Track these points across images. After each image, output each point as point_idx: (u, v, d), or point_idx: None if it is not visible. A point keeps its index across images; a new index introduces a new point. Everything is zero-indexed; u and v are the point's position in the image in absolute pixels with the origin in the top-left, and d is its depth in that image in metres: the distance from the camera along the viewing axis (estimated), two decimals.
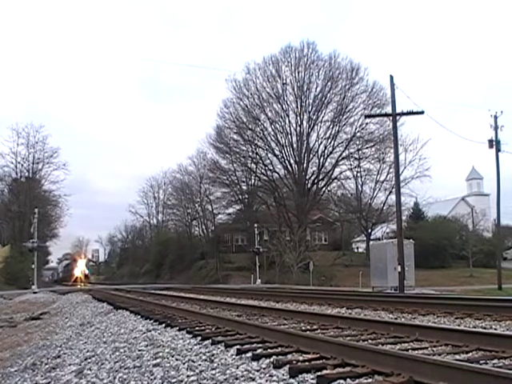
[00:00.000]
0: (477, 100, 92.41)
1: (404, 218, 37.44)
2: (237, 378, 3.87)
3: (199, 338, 5.85)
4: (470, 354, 4.41)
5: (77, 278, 63.04)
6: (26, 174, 49.41)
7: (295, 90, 42.36)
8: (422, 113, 20.68)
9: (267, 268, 40.50)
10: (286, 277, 36.54)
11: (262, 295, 15.80)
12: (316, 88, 42.40)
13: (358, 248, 58.19)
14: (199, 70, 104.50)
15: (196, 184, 51.90)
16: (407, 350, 4.37)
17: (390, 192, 42.55)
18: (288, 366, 3.93)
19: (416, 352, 4.25)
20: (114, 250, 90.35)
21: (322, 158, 42.95)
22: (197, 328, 6.71)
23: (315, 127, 42.93)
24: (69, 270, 72.90)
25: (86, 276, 65.02)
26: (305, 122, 42.77)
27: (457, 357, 4.22)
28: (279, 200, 44.82)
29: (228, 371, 4.09)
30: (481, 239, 43.73)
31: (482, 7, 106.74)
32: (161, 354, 5.23)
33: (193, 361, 4.67)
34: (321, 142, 43.00)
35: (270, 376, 3.81)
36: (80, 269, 65.25)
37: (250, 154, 44.56)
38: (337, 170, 44.32)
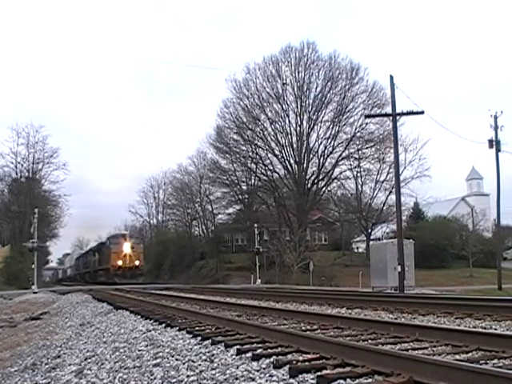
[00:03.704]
0: (477, 100, 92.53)
1: (404, 218, 37.45)
2: (237, 378, 3.87)
3: (199, 338, 5.84)
4: (470, 354, 4.40)
5: (120, 268, 36.80)
6: (26, 174, 49.36)
7: (295, 89, 42.38)
8: (422, 113, 20.68)
9: (267, 268, 40.48)
10: (286, 277, 36.53)
11: (262, 295, 15.78)
12: (316, 88, 42.46)
13: (358, 248, 58.18)
14: (199, 69, 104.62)
15: (196, 184, 51.91)
16: (407, 350, 4.37)
17: (390, 192, 42.59)
18: (288, 366, 3.93)
19: (416, 352, 4.25)
20: None
21: (322, 158, 42.99)
22: (197, 328, 6.71)
23: (315, 127, 42.98)
24: (88, 262, 48.59)
25: (135, 268, 37.49)
26: (305, 122, 42.81)
27: (457, 357, 4.22)
28: (279, 200, 44.81)
29: (228, 371, 4.09)
30: (481, 239, 43.74)
31: (482, 7, 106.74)
32: (161, 354, 5.23)
33: (193, 361, 4.67)
34: (321, 142, 43.07)
35: (270, 376, 3.81)
36: (124, 254, 37.48)
37: (250, 154, 44.58)
38: (337, 170, 44.39)
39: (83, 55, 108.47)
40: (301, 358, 4.24)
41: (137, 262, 37.50)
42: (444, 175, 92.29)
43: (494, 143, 30.49)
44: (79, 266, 57.44)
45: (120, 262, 36.58)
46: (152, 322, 8.16)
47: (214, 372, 4.16)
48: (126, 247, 37.43)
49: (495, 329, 6.28)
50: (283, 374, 3.79)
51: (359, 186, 47.75)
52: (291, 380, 3.65)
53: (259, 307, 9.85)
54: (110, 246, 38.63)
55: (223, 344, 5.18)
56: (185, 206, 55.50)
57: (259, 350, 4.66)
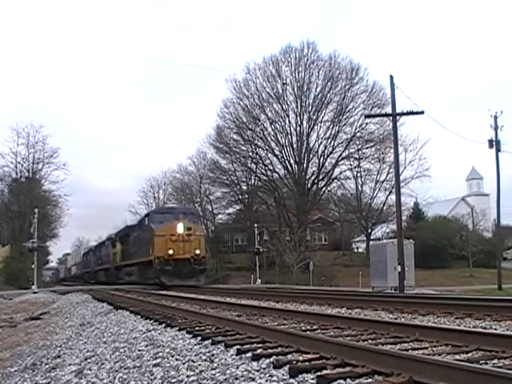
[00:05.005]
0: (477, 100, 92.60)
1: (404, 218, 37.52)
2: (237, 378, 3.87)
3: (199, 337, 5.84)
4: (470, 353, 4.40)
5: (170, 261, 23.61)
6: (26, 174, 49.37)
7: (295, 89, 42.42)
8: (422, 113, 20.69)
9: (267, 268, 40.49)
10: (286, 277, 36.54)
11: (262, 295, 15.77)
12: (316, 88, 42.51)
13: (357, 248, 58.24)
14: (199, 69, 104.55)
15: (196, 184, 51.92)
16: (407, 350, 4.37)
17: (390, 192, 42.67)
18: (288, 366, 3.92)
19: (416, 352, 4.24)
20: None
21: (322, 158, 43.05)
22: (197, 328, 6.71)
23: (315, 127, 43.03)
24: (104, 257, 38.31)
25: (194, 261, 23.97)
26: (305, 122, 42.85)
27: (457, 357, 4.21)
28: (279, 200, 44.84)
29: (228, 371, 4.08)
30: (481, 239, 43.83)
31: (482, 7, 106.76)
32: (161, 354, 5.23)
33: (193, 361, 4.67)
34: (321, 142, 43.13)
35: (270, 376, 3.81)
36: (178, 236, 23.93)
37: (250, 154, 44.62)
38: (337, 170, 44.48)
39: (83, 55, 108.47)
40: (301, 358, 4.23)
41: (197, 252, 23.82)
42: (444, 175, 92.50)
43: (494, 143, 30.53)
44: (89, 262, 46.23)
45: (171, 252, 23.26)
46: (152, 321, 8.16)
47: (213, 372, 4.16)
48: (180, 228, 23.74)
49: (495, 329, 6.27)
50: (283, 374, 3.79)
51: (359, 186, 47.90)
52: (291, 380, 3.64)
53: (259, 307, 9.84)
54: (151, 227, 24.91)
55: (223, 344, 5.18)
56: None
57: (259, 350, 4.66)
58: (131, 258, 28.49)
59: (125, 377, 4.67)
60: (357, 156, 43.35)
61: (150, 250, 24.31)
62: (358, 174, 46.37)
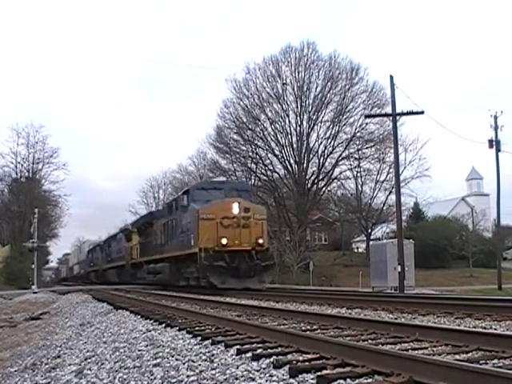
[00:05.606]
0: (477, 100, 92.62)
1: (404, 218, 37.51)
2: (237, 378, 3.87)
3: (199, 337, 5.84)
4: (470, 353, 4.40)
5: (223, 253, 16.42)
6: (26, 174, 49.44)
7: (295, 89, 42.36)
8: (422, 113, 20.71)
9: None
10: (286, 277, 36.51)
11: (262, 295, 15.74)
12: (316, 88, 42.43)
13: (357, 248, 58.22)
14: (199, 69, 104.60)
15: None
16: (407, 350, 4.36)
17: (390, 192, 42.64)
18: (288, 366, 3.92)
19: (416, 352, 4.24)
20: None
21: (322, 158, 42.98)
22: (197, 328, 6.71)
23: (315, 127, 42.96)
24: (115, 252, 33.34)
25: (256, 254, 16.84)
26: (305, 122, 42.79)
27: (457, 357, 4.21)
28: (279, 200, 44.79)
29: (228, 371, 4.09)
30: (481, 239, 43.84)
31: (482, 7, 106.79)
32: (161, 354, 5.23)
33: (193, 361, 4.67)
34: (321, 142, 43.06)
35: (270, 376, 3.81)
36: (233, 219, 16.94)
37: (250, 154, 44.54)
38: (337, 170, 44.40)
39: (83, 55, 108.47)
40: (301, 358, 4.23)
41: (260, 241, 17.33)
42: (444, 175, 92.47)
43: (494, 143, 30.53)
44: (97, 259, 40.70)
45: (224, 241, 16.76)
46: (152, 321, 8.16)
47: (213, 372, 4.16)
48: (236, 208, 17.39)
49: (495, 329, 6.27)
50: (283, 374, 3.79)
51: (359, 186, 47.87)
52: (291, 380, 3.64)
53: (259, 307, 9.83)
54: (193, 208, 18.14)
55: (223, 344, 5.18)
56: None
57: (259, 350, 4.66)
58: (158, 251, 22.19)
59: (125, 377, 4.67)
60: (357, 156, 43.33)
61: (192, 239, 17.80)
62: (358, 174, 46.38)
